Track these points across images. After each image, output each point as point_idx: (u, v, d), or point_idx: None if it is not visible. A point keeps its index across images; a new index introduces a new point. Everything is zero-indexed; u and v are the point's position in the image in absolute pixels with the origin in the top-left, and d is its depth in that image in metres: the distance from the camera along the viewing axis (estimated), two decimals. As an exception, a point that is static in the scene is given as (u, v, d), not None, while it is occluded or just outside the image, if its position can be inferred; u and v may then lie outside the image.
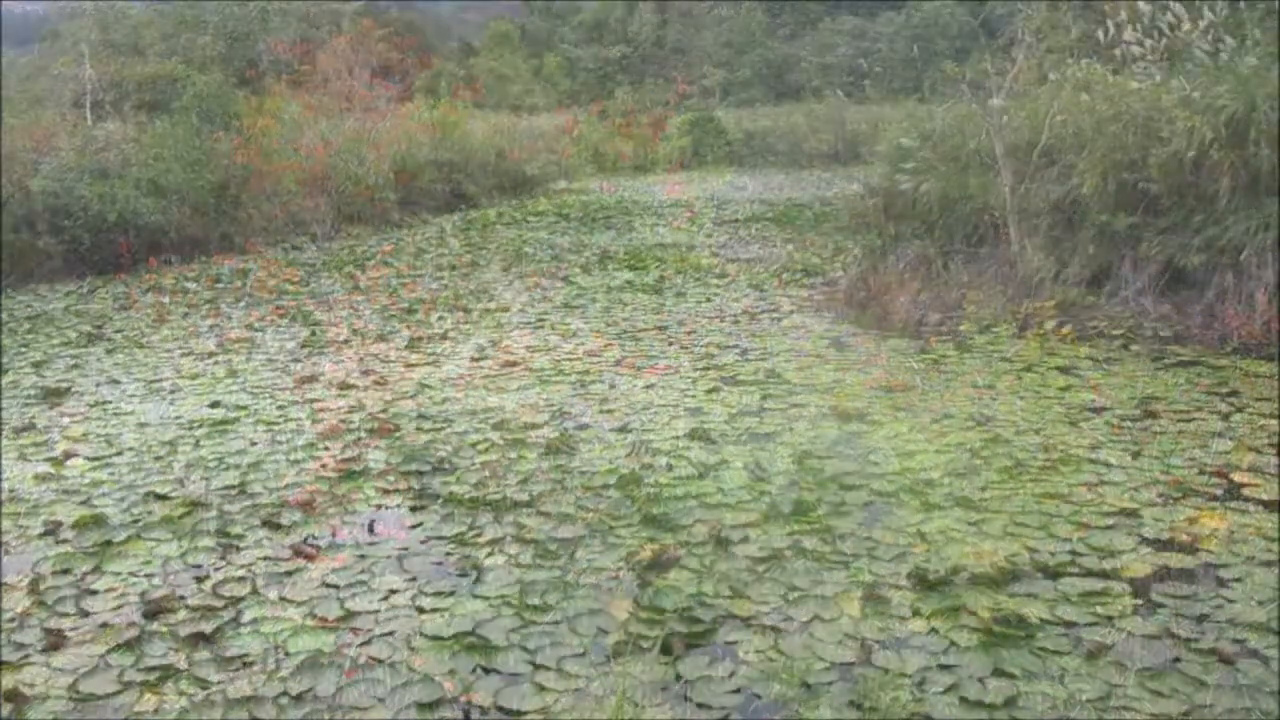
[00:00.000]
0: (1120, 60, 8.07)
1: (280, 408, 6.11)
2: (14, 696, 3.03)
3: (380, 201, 16.94)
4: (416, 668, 3.17)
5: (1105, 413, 5.51)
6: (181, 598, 3.65)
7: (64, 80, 18.93)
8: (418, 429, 5.59)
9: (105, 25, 25.45)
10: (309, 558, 3.98)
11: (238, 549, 4.08)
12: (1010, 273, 8.17)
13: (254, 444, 5.41)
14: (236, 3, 26.45)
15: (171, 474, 4.98)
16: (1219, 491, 4.38)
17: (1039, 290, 7.89)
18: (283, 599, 3.64)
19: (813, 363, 6.84)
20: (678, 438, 5.28)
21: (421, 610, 3.54)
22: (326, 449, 5.27)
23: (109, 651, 3.30)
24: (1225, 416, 5.39)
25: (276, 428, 5.68)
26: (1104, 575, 3.64)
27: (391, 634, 3.38)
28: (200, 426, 5.74)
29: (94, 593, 3.74)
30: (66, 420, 5.97)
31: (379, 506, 4.53)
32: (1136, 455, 4.83)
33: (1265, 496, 4.30)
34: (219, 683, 3.11)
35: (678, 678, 3.05)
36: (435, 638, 3.34)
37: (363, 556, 3.98)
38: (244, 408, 6.12)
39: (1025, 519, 4.13)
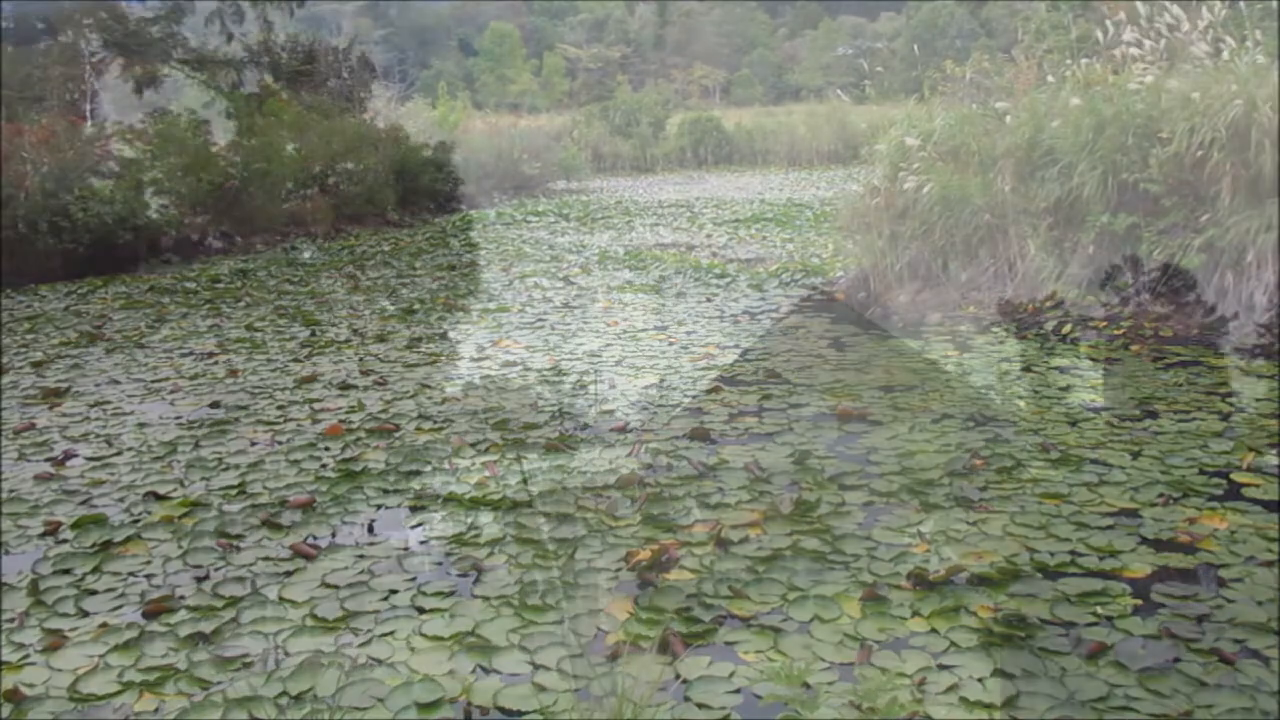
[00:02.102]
0: (1120, 60, 8.08)
1: (280, 408, 6.11)
2: (14, 696, 3.03)
3: (380, 201, 16.96)
4: (416, 668, 3.17)
5: (1105, 413, 5.51)
6: (181, 598, 3.65)
7: (64, 80, 18.93)
8: (418, 429, 5.59)
9: (105, 25, 25.47)
10: (309, 558, 3.98)
11: (238, 549, 4.08)
12: (1010, 273, 8.18)
13: (254, 444, 5.41)
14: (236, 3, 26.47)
15: (171, 474, 4.98)
16: (1219, 491, 4.38)
17: (1039, 290, 7.89)
18: (283, 599, 3.64)
19: (813, 363, 6.85)
20: (677, 437, 5.28)
21: (421, 610, 3.54)
22: (327, 449, 5.27)
23: (109, 651, 3.30)
24: (1225, 416, 5.39)
25: (276, 428, 5.68)
26: (1104, 575, 3.64)
27: (391, 634, 3.38)
28: (200, 426, 5.74)
29: (94, 593, 3.74)
30: (66, 420, 5.98)
31: (379, 506, 4.53)
32: (1136, 455, 4.83)
33: (1265, 496, 4.30)
34: (219, 683, 3.11)
35: (677, 677, 3.05)
36: (435, 638, 3.34)
37: (362, 556, 3.98)
38: (244, 408, 6.12)
39: (1025, 519, 4.13)
